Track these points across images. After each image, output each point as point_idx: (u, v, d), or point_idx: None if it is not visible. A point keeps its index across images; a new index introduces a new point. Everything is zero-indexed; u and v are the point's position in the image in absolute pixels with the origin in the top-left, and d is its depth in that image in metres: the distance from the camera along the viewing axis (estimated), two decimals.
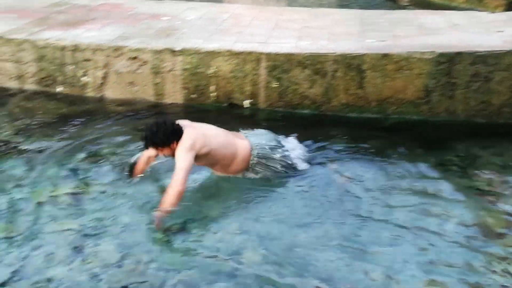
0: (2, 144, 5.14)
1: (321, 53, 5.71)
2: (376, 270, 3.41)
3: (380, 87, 5.67)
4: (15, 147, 5.08)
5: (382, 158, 4.90)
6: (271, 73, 5.83)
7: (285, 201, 4.25)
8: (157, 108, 6.09)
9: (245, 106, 6.04)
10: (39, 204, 4.11)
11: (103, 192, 4.29)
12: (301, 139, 4.96)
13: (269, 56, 5.81)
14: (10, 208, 4.06)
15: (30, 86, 6.53)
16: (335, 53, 5.69)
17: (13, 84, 6.51)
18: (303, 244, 3.71)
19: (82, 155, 4.93)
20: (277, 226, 3.90)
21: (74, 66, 6.33)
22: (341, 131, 5.42)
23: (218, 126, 4.57)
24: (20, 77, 6.50)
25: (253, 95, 5.99)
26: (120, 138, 5.28)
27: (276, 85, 5.87)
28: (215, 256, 3.58)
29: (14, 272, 3.36)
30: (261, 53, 5.84)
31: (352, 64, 5.65)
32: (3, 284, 3.24)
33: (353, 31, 6.43)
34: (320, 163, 4.78)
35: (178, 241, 3.73)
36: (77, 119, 5.75)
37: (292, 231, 3.86)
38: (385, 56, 5.59)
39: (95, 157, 4.89)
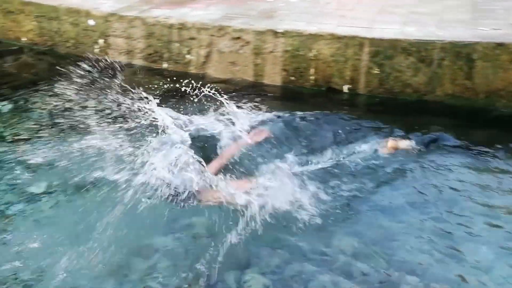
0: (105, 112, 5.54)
1: (429, 40, 5.56)
2: (469, 271, 3.33)
3: (491, 78, 5.42)
4: None
5: (484, 152, 4.72)
6: (373, 59, 5.78)
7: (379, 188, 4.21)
8: (255, 88, 6.25)
9: (343, 91, 6.04)
10: None
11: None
12: (400, 126, 4.89)
13: (372, 41, 5.76)
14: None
15: (138, 61, 6.96)
16: (443, 40, 5.51)
17: (123, 59, 6.99)
18: (396, 234, 3.68)
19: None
20: (371, 213, 3.90)
21: (179, 44, 6.65)
22: (443, 120, 5.26)
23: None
24: (129, 52, 6.95)
25: (352, 81, 5.98)
26: (218, 114, 5.46)
27: (377, 72, 5.81)
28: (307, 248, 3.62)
29: None
30: (364, 38, 5.80)
31: (461, 53, 5.45)
32: None
33: (464, 18, 6.18)
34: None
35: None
36: (178, 95, 6.05)
37: (386, 219, 3.84)
38: (500, 45, 5.33)
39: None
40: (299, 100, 5.33)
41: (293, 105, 5.49)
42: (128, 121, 4.84)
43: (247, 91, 6.19)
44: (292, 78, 6.23)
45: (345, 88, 6.04)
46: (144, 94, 4.38)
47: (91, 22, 6.97)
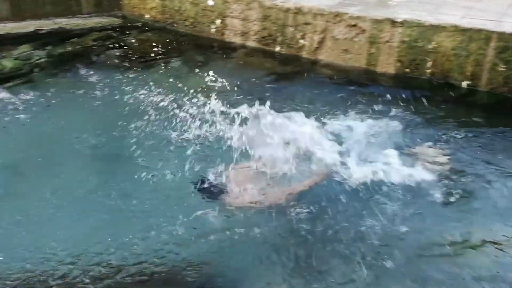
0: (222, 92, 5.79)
1: None
2: None
3: None
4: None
5: None
6: (500, 55, 5.52)
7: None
8: (367, 78, 6.23)
9: (462, 86, 5.83)
10: None
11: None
12: None
13: (501, 36, 5.49)
14: None
15: (251, 43, 7.20)
16: None
17: (238, 40, 7.27)
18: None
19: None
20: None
21: (294, 28, 6.78)
22: None
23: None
24: (244, 34, 7.21)
25: (473, 76, 5.76)
26: (331, 100, 5.52)
27: (503, 68, 5.53)
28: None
29: None
30: (491, 32, 5.55)
31: None
32: None
33: None
34: None
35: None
36: (289, 78, 6.20)
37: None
38: None
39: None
40: (411, 94, 5.24)
41: (407, 99, 5.39)
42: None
43: (359, 80, 6.18)
44: (407, 69, 6.13)
45: (464, 84, 5.83)
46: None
47: (210, 2, 7.32)
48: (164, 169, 4.15)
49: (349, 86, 5.94)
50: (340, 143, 4.44)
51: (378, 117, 4.98)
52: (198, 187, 3.85)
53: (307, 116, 4.57)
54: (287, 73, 6.43)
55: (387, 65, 6.24)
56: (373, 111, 5.12)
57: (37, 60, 6.83)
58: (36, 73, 6.44)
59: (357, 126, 4.82)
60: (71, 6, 8.17)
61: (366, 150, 4.38)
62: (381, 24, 6.14)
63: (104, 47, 7.20)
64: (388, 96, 5.42)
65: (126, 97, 5.61)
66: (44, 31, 7.73)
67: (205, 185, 3.85)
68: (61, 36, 7.55)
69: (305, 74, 6.31)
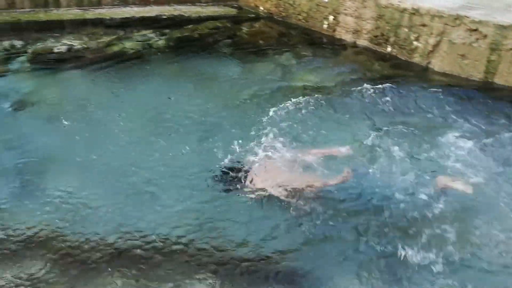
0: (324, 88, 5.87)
1: None
2: None
3: None
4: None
5: None
6: None
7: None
8: (484, 88, 5.95)
9: None
10: None
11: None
12: None
13: None
14: None
15: (362, 42, 7.19)
16: None
17: (348, 37, 7.29)
18: None
19: (389, 119, 5.16)
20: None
21: (408, 30, 6.66)
22: None
23: None
24: (356, 32, 7.21)
25: None
26: (439, 111, 5.36)
27: None
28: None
29: None
30: None
31: None
32: None
33: None
34: None
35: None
36: (398, 82, 6.10)
37: None
38: None
39: (394, 124, 5.01)
40: None
41: None
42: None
43: (474, 89, 5.91)
44: None
45: None
46: None
47: None
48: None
49: (463, 97, 5.71)
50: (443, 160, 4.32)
51: (493, 134, 4.72)
52: (225, 172, 4.11)
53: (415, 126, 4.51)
54: (397, 76, 6.34)
55: (507, 75, 5.93)
56: (487, 127, 4.85)
57: (156, 43, 7.35)
58: (154, 55, 6.95)
59: (466, 144, 4.59)
60: None
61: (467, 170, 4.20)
62: (505, 30, 5.85)
63: (218, 35, 7.58)
64: (507, 111, 5.14)
65: (233, 82, 5.90)
66: (165, 17, 8.31)
67: (233, 172, 4.08)
68: (179, 22, 8.07)
69: (416, 79, 6.18)
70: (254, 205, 3.85)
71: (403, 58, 6.68)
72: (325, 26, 7.44)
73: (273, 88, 5.72)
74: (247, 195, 3.95)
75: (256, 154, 4.28)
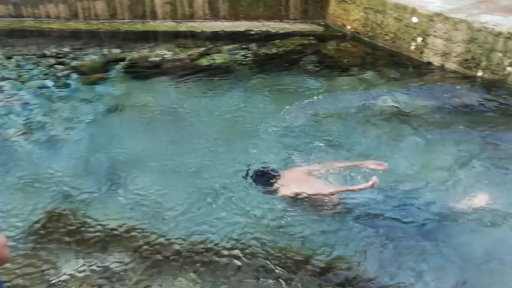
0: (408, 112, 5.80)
1: None
2: None
3: None
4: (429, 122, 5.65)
5: None
6: None
7: None
8: None
9: None
10: None
11: None
12: None
13: None
14: None
15: (451, 65, 7.04)
16: None
17: (436, 60, 7.17)
18: None
19: (478, 149, 4.99)
20: None
21: (502, 54, 6.45)
22: None
23: None
24: (445, 54, 7.08)
25: None
26: None
27: None
28: None
29: None
30: None
31: None
32: None
33: None
34: None
35: None
36: (488, 108, 5.89)
37: None
38: None
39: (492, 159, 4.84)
40: None
41: None
42: None
43: None
44: None
45: None
46: None
47: (414, 19, 7.35)
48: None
49: None
50: None
51: None
52: (258, 174, 4.42)
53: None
54: (488, 103, 6.15)
55: None
56: None
57: (243, 56, 7.64)
58: (240, 68, 7.23)
59: None
60: (280, 11, 8.94)
61: None
62: None
63: (304, 52, 7.74)
64: None
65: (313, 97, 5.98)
66: (253, 32, 8.60)
67: (263, 175, 4.40)
68: (267, 37, 8.33)
69: (508, 106, 5.96)
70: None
71: (495, 83, 6.45)
72: (412, 47, 7.37)
73: (352, 106, 5.76)
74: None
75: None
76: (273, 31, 8.59)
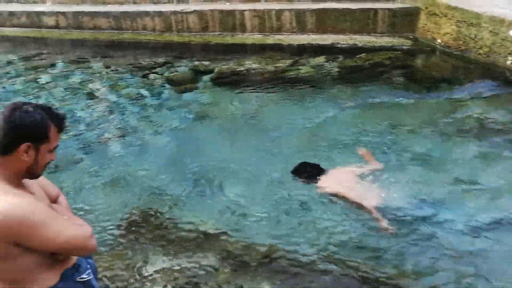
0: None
1: None
2: None
3: None
4: None
5: None
6: None
7: None
8: None
9: None
10: None
11: None
12: None
13: None
14: None
15: None
16: None
17: None
18: None
19: None
20: None
21: None
22: None
23: None
24: None
25: None
26: None
27: None
28: None
29: None
30: None
31: None
32: None
33: None
34: None
35: None
36: None
37: None
38: None
39: None
40: None
41: None
42: None
43: None
44: None
45: None
46: None
47: (511, 33, 6.99)
48: None
49: None
50: None
51: None
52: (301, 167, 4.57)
53: None
54: None
55: None
56: None
57: (329, 69, 7.67)
58: (325, 80, 7.26)
59: None
60: (367, 25, 8.88)
61: None
62: None
63: (391, 66, 7.62)
64: None
65: (398, 110, 5.96)
66: (339, 45, 8.61)
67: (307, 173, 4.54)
68: (353, 50, 8.29)
69: None
70: None
71: None
72: (509, 62, 7.01)
73: (441, 122, 5.58)
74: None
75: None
76: (360, 44, 8.54)
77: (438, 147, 5.01)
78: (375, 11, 8.74)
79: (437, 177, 4.46)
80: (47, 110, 2.13)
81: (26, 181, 2.20)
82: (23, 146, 2.06)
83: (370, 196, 4.19)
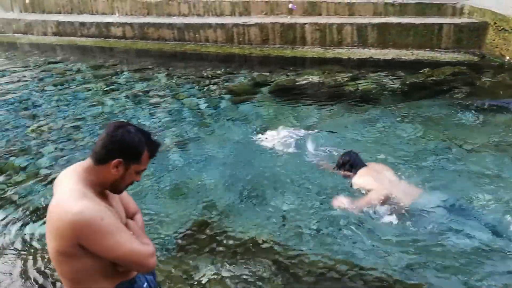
0: None
1: None
2: None
3: None
4: None
5: None
6: None
7: None
8: None
9: None
10: None
11: None
12: None
13: None
14: None
15: None
16: None
17: None
18: None
19: None
20: None
21: None
22: None
23: None
24: None
25: None
26: None
27: None
28: None
29: None
30: None
31: None
32: None
33: None
34: None
35: None
36: None
37: None
38: None
39: None
40: None
41: None
42: None
43: None
44: None
45: None
46: None
47: None
48: None
49: None
50: None
51: None
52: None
53: None
54: None
55: None
56: None
57: (389, 84, 7.55)
58: (385, 95, 7.14)
59: None
60: (431, 40, 8.69)
61: None
62: None
63: (455, 83, 7.41)
64: None
65: (461, 130, 5.80)
66: (401, 60, 8.46)
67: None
68: (415, 66, 8.13)
69: None
70: None
71: None
72: None
73: (507, 142, 5.34)
74: None
75: None
76: (423, 59, 8.38)
77: (502, 166, 4.79)
78: (440, 26, 8.54)
79: (490, 194, 4.28)
80: (146, 135, 2.31)
81: (109, 193, 2.35)
82: (115, 161, 2.22)
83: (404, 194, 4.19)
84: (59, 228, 2.11)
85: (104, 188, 2.30)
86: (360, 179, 4.49)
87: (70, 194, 2.16)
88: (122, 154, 2.23)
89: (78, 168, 2.29)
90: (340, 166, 4.71)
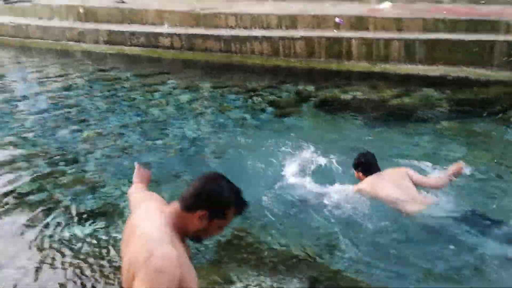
0: None
1: None
2: None
3: None
4: None
5: None
6: None
7: None
8: None
9: None
10: None
11: None
12: None
13: None
14: None
15: None
16: None
17: None
18: None
19: None
20: None
21: None
22: None
23: None
24: None
25: None
26: None
27: None
28: None
29: None
30: None
31: None
32: None
33: None
34: None
35: None
36: None
37: None
38: None
39: None
40: None
41: None
42: None
43: None
44: None
45: None
46: None
47: None
48: None
49: None
50: None
51: None
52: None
53: None
54: None
55: None
56: None
57: (436, 101, 7.43)
58: (432, 112, 7.02)
59: None
60: (482, 57, 8.46)
61: None
62: None
63: (506, 103, 7.17)
64: None
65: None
66: (449, 77, 8.30)
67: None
68: (464, 83, 7.95)
69: None
70: None
71: None
72: None
73: None
74: None
75: None
76: (472, 77, 8.20)
77: None
78: (492, 43, 8.31)
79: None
80: (236, 193, 2.36)
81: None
82: (201, 212, 2.27)
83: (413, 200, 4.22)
84: (143, 263, 2.08)
85: (186, 234, 2.35)
86: (360, 186, 4.57)
87: (161, 236, 2.18)
88: (209, 207, 2.28)
89: (164, 208, 2.36)
90: (355, 166, 4.73)
